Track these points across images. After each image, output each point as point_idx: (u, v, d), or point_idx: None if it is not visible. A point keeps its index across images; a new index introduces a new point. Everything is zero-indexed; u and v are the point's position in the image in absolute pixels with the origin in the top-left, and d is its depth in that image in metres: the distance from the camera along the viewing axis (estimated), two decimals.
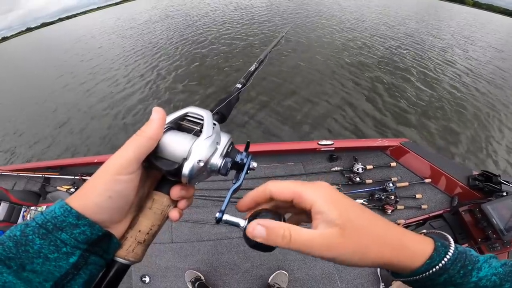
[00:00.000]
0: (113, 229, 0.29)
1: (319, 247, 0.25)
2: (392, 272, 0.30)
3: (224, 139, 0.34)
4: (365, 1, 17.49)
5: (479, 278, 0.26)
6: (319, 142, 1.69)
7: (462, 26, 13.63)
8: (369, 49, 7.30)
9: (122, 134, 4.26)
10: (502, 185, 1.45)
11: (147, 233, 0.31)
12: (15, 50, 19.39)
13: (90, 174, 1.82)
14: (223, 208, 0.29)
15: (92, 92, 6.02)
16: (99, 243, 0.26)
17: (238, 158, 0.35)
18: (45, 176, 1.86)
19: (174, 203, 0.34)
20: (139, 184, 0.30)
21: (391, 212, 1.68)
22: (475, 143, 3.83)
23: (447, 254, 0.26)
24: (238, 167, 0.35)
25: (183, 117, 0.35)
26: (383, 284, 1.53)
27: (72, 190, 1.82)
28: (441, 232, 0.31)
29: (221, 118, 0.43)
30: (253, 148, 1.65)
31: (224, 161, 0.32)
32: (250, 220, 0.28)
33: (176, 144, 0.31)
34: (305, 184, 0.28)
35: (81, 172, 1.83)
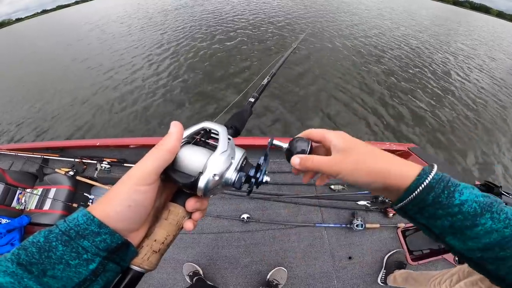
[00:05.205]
0: (130, 238, 0.30)
1: (329, 165, 0.35)
2: (392, 203, 0.35)
3: (239, 153, 0.36)
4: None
5: (461, 202, 0.28)
6: None
7: None
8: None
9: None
10: (503, 196, 1.48)
11: (162, 243, 0.32)
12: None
13: (91, 157, 1.77)
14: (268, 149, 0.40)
15: None
16: (117, 251, 0.27)
17: (251, 173, 0.36)
18: (44, 157, 1.80)
19: (189, 214, 0.35)
20: (156, 195, 0.31)
21: (392, 215, 1.70)
22: (488, 154, 3.89)
23: (431, 172, 0.30)
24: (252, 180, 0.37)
25: (199, 132, 0.37)
26: (384, 271, 1.54)
27: (71, 173, 1.77)
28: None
29: (235, 132, 0.45)
30: (261, 142, 1.64)
31: (238, 176, 0.34)
32: (289, 143, 0.40)
33: (193, 158, 0.32)
34: (329, 130, 0.39)
35: (82, 155, 1.77)
